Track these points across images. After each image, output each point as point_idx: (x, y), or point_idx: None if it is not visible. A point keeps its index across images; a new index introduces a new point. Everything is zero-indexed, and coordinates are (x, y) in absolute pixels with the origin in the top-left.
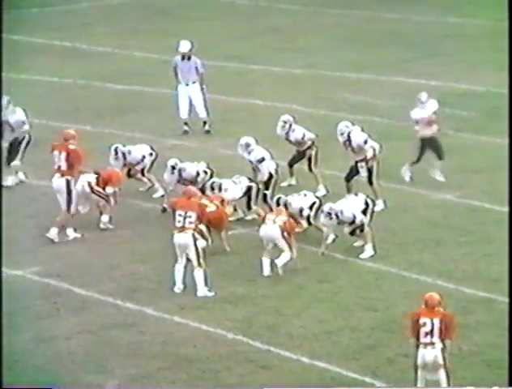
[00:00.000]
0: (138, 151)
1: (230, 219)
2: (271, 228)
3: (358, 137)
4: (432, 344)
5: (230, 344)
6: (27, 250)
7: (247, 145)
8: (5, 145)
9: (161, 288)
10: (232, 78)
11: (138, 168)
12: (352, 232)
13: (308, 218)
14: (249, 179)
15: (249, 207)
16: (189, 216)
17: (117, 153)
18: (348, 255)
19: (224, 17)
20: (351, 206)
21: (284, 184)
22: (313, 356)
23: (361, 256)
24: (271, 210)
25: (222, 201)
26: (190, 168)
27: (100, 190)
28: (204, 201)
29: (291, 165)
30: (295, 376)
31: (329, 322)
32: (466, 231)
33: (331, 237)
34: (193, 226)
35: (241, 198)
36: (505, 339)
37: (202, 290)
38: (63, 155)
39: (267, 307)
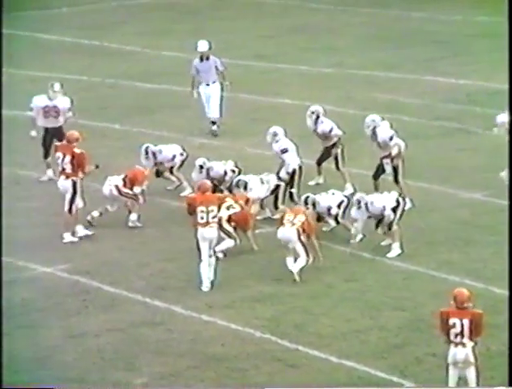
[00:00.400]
0: (169, 150)
1: (258, 217)
2: (289, 230)
3: (384, 132)
4: (462, 343)
5: (258, 342)
6: (56, 248)
7: (274, 134)
8: (33, 133)
9: (189, 287)
10: (260, 77)
11: (168, 166)
12: (377, 225)
13: (336, 217)
14: (279, 177)
15: (276, 207)
16: (212, 211)
17: (147, 153)
18: (376, 254)
19: (251, 16)
20: (382, 200)
21: (312, 183)
22: (341, 356)
23: (388, 255)
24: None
25: (247, 200)
26: (218, 168)
27: (128, 190)
28: (229, 200)
29: (319, 164)
30: (323, 375)
31: (357, 321)
32: (494, 230)
33: (359, 236)
34: (216, 220)
35: (267, 197)
36: None
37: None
38: (68, 158)
39: (295, 306)
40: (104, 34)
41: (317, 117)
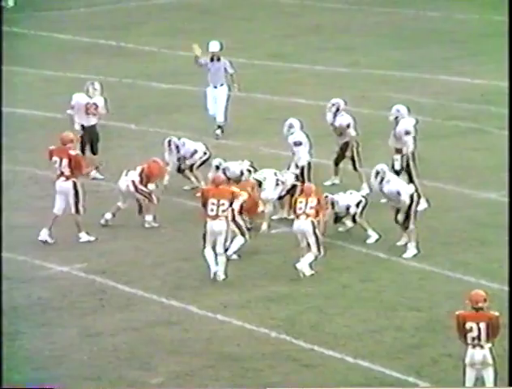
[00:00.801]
0: (192, 145)
1: (273, 217)
2: (304, 223)
3: (404, 125)
4: (480, 345)
5: (273, 342)
6: (73, 247)
7: (290, 126)
8: (77, 127)
9: (205, 286)
10: (276, 77)
11: (189, 162)
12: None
13: (354, 216)
14: (296, 177)
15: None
16: (223, 204)
17: (170, 145)
18: (392, 255)
19: (267, 16)
20: (400, 183)
21: (328, 183)
22: (356, 356)
23: (404, 255)
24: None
25: (252, 187)
26: (234, 168)
27: (144, 188)
28: (234, 188)
29: (336, 164)
30: (338, 375)
31: (372, 321)
32: (510, 230)
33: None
34: (226, 214)
35: (284, 196)
36: None
37: (220, 270)
38: (65, 161)
39: (310, 306)
40: (121, 34)
41: (337, 109)
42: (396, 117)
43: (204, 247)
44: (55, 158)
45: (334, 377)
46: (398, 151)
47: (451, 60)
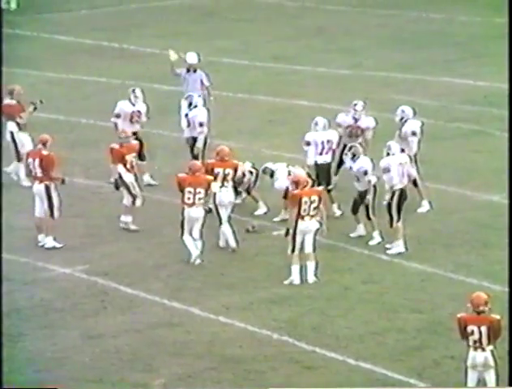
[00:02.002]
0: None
1: (275, 219)
2: (310, 223)
3: (411, 126)
4: (482, 348)
5: (275, 344)
6: (75, 249)
7: (316, 123)
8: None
9: (207, 288)
10: (278, 78)
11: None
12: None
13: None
14: (308, 174)
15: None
16: (199, 192)
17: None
18: (394, 257)
19: (269, 18)
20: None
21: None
22: (358, 358)
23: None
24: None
25: (235, 168)
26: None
27: (135, 184)
28: (209, 177)
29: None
30: (340, 377)
31: (374, 323)
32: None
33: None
34: (202, 202)
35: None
36: None
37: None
38: (37, 161)
39: (312, 308)
40: (123, 36)
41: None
42: (401, 119)
43: (182, 234)
44: (30, 159)
45: (336, 379)
46: (403, 151)
47: (453, 62)
